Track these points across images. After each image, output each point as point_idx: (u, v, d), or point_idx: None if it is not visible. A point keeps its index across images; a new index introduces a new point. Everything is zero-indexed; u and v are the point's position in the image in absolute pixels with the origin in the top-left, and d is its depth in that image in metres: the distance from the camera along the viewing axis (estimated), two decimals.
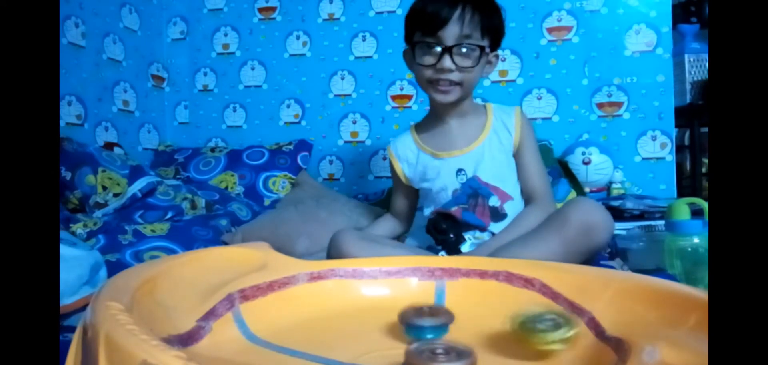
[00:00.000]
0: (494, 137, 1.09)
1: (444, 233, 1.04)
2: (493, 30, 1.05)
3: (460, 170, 1.09)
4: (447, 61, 1.00)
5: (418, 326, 0.50)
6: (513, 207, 1.07)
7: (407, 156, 1.16)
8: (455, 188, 1.09)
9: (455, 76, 1.02)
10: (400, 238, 1.19)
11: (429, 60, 1.03)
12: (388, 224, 1.21)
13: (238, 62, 2.19)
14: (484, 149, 1.09)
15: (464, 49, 1.01)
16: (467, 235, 1.05)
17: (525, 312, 0.47)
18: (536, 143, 1.13)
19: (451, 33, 1.00)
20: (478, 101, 1.30)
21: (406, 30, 1.09)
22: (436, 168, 1.11)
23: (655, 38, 1.87)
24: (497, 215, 1.07)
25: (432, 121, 1.15)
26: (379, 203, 1.73)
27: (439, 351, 0.41)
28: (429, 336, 0.49)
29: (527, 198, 1.10)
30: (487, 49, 1.04)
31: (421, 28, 1.03)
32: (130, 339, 0.31)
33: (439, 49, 1.00)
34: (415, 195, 1.19)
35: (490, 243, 0.99)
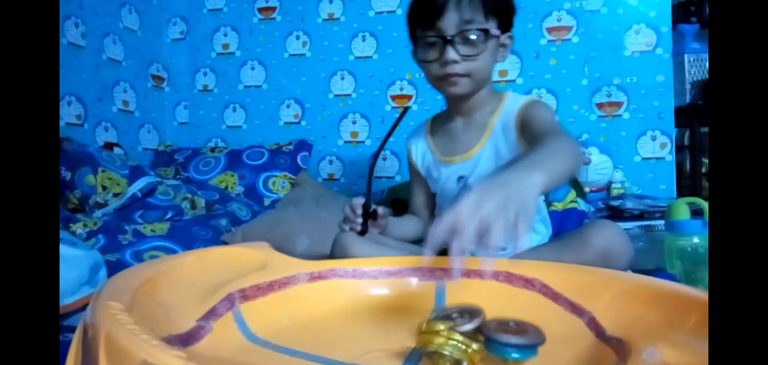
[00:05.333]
0: (492, 143, 1.01)
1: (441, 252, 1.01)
2: (499, 9, 0.97)
3: (460, 177, 1.04)
4: (450, 53, 0.92)
5: (501, 342, 0.43)
6: None
7: (418, 153, 1.12)
8: (455, 194, 1.04)
9: (461, 68, 0.94)
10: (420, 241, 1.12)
11: (433, 55, 0.95)
12: (413, 224, 1.12)
13: (238, 62, 2.19)
14: (482, 156, 1.02)
15: (468, 36, 0.92)
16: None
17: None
18: (548, 116, 0.95)
19: (450, 21, 0.92)
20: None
21: (409, 29, 1.02)
22: (439, 172, 1.08)
23: (654, 38, 1.87)
24: None
25: (445, 118, 1.10)
26: (379, 203, 1.73)
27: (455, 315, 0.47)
28: (514, 357, 0.43)
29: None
30: (496, 32, 0.96)
31: (419, 23, 0.97)
32: (131, 339, 0.31)
33: (439, 41, 0.93)
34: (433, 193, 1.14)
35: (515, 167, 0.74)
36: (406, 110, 1.00)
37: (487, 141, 1.02)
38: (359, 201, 0.93)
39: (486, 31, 0.94)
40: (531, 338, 0.44)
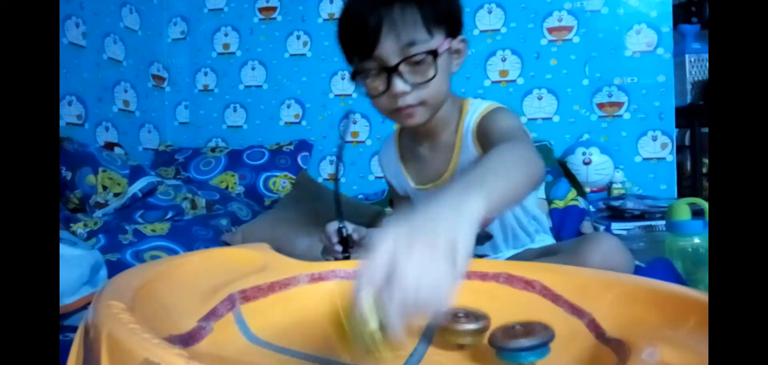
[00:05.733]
0: (459, 166, 0.91)
1: None
2: (444, 17, 0.81)
3: None
4: (399, 85, 0.79)
5: (512, 349, 0.42)
6: (497, 226, 0.97)
7: (391, 174, 1.04)
8: None
9: (413, 98, 0.81)
10: None
11: (378, 86, 0.81)
12: None
13: (239, 62, 2.19)
14: (454, 181, 0.87)
15: (415, 60, 0.79)
16: None
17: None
18: (506, 123, 0.83)
19: (389, 48, 0.78)
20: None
21: (343, 51, 0.87)
22: (417, 196, 1.00)
23: (655, 38, 1.87)
24: (481, 238, 0.97)
25: (411, 136, 0.99)
26: (379, 203, 1.73)
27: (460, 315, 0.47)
28: (530, 360, 0.42)
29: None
30: (445, 46, 0.81)
31: (355, 51, 0.83)
32: (133, 338, 0.31)
33: (383, 72, 0.80)
34: None
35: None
36: (347, 114, 0.91)
37: (458, 165, 0.91)
38: (333, 228, 0.85)
39: (433, 53, 0.79)
40: (540, 337, 0.42)
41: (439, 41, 0.80)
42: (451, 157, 0.91)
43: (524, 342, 0.42)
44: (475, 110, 0.89)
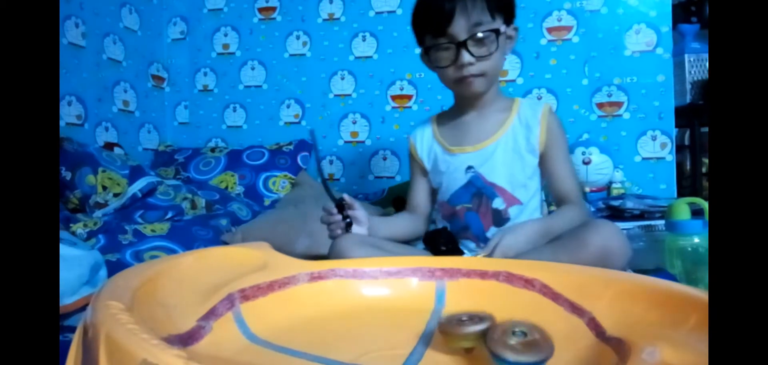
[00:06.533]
0: (510, 137, 1.06)
1: (441, 253, 0.99)
2: (503, 5, 1.02)
3: (469, 167, 1.06)
4: (465, 56, 0.98)
5: (503, 360, 0.41)
6: (519, 213, 1.04)
7: (423, 146, 1.14)
8: (463, 184, 1.07)
9: (476, 69, 1.00)
10: (416, 239, 1.13)
11: (447, 59, 1.01)
12: (405, 222, 1.14)
13: (238, 62, 2.19)
14: (498, 147, 1.05)
15: (479, 36, 0.98)
16: (465, 251, 1.04)
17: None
18: (566, 143, 1.09)
19: (460, 27, 0.97)
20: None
21: (416, 33, 1.07)
22: (446, 162, 1.09)
23: (655, 38, 1.87)
24: (499, 219, 1.03)
25: (453, 113, 1.13)
26: (379, 202, 1.73)
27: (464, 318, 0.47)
28: None
29: (558, 202, 1.07)
30: (504, 29, 1.01)
31: (429, 30, 1.02)
32: (131, 339, 0.31)
33: (453, 46, 0.98)
34: (433, 189, 1.15)
35: (529, 228, 0.94)
36: (312, 133, 1.17)
37: (503, 135, 1.06)
38: (329, 206, 0.98)
39: (496, 31, 0.99)
40: (538, 353, 0.40)
41: (498, 24, 1.00)
42: (498, 128, 1.07)
43: (518, 358, 0.40)
44: (533, 104, 1.08)
